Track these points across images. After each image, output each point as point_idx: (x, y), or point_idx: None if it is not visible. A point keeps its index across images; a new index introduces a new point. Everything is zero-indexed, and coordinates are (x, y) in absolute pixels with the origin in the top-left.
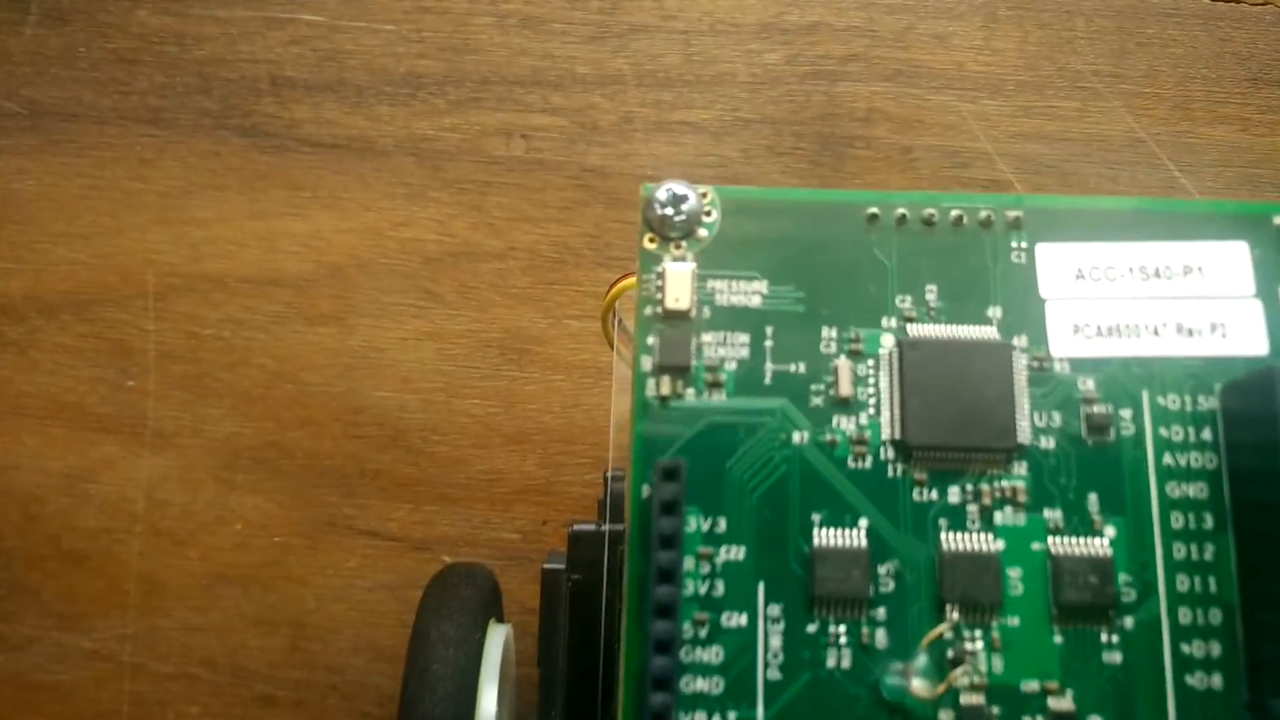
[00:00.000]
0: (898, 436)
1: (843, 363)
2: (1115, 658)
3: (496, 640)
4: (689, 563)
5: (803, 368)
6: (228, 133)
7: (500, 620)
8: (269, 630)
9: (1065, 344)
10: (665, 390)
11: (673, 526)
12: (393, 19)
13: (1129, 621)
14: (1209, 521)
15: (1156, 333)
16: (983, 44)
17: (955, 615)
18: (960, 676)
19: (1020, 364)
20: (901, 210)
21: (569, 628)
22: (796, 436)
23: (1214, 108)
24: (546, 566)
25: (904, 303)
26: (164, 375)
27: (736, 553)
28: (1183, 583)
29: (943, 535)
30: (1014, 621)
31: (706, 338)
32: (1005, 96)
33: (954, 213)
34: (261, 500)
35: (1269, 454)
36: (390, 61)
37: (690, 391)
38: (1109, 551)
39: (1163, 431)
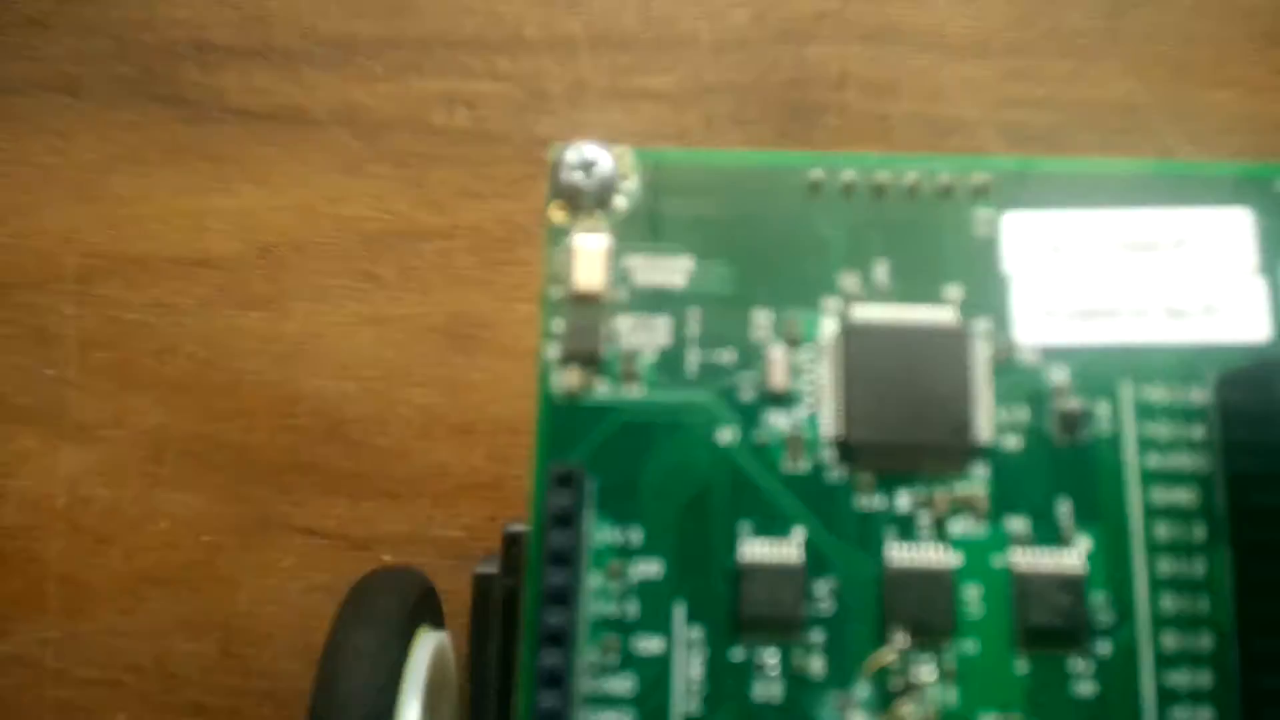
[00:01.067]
0: (840, 435)
1: (777, 351)
2: (1088, 689)
3: (424, 650)
4: (597, 580)
5: (732, 357)
6: (149, 102)
7: (438, 627)
8: (199, 634)
9: (1034, 329)
10: (573, 383)
11: (566, 541)
12: None
13: (1105, 647)
14: (1200, 533)
15: (1141, 315)
16: (966, 1)
17: (903, 640)
18: (907, 710)
19: (981, 352)
20: (849, 176)
21: (502, 637)
22: (724, 435)
23: (1219, 70)
24: (478, 571)
25: (849, 281)
26: (86, 363)
27: (653, 568)
28: (1168, 603)
29: (890, 548)
30: (971, 647)
31: (622, 323)
32: (990, 59)
33: (910, 178)
34: (190, 496)
35: (1276, 455)
36: (322, 23)
37: (602, 385)
38: (1082, 567)
39: (1146, 429)
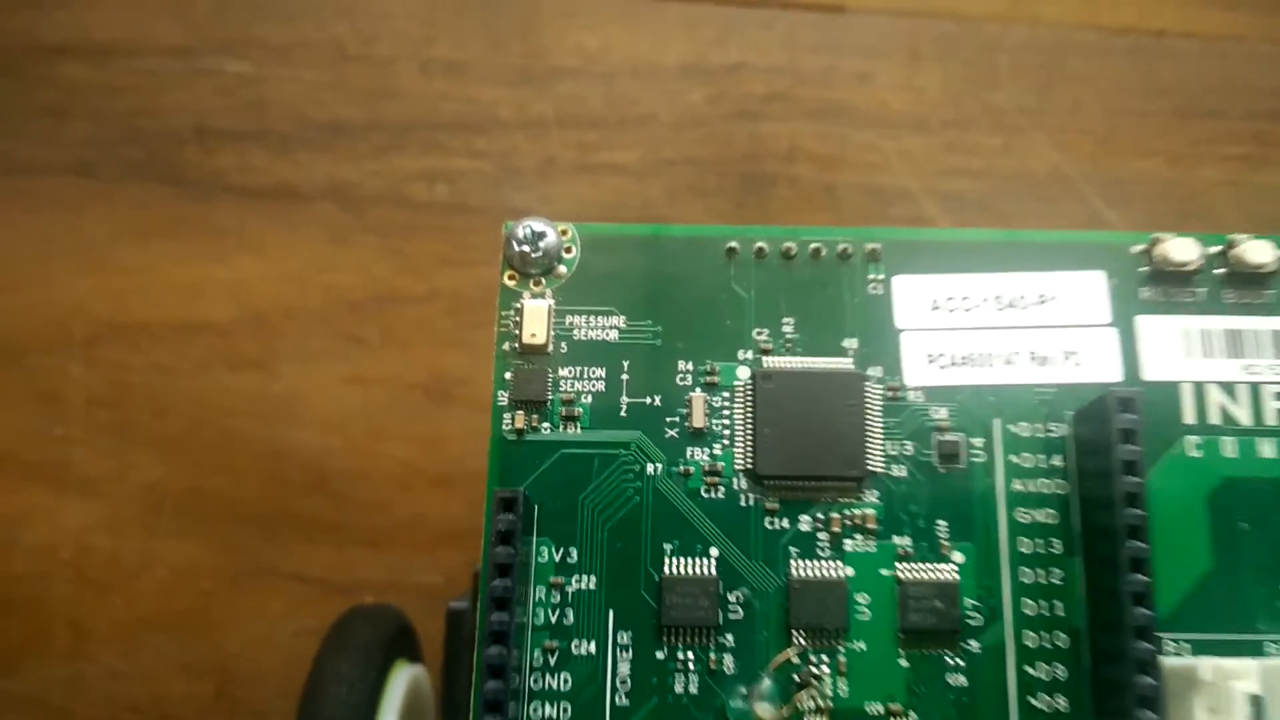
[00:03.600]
0: (750, 467)
1: (697, 395)
2: (960, 680)
3: (401, 678)
4: (540, 592)
5: (658, 400)
6: (154, 181)
7: (415, 660)
8: (195, 676)
9: (919, 374)
10: (520, 424)
11: (507, 555)
12: (316, 66)
13: (975, 645)
14: (1058, 547)
15: (1010, 361)
16: (905, 82)
17: (802, 640)
18: (805, 699)
19: (873, 394)
20: (760, 244)
21: (472, 666)
22: (650, 468)
23: (1141, 142)
24: (452, 606)
25: (761, 335)
26: (91, 422)
27: (587, 582)
28: (1029, 607)
29: (792, 563)
30: (860, 646)
31: (563, 372)
32: (929, 134)
33: (812, 246)
34: (186, 546)
35: (1107, 479)
36: (313, 109)
37: (545, 426)
38: (956, 577)
39: (1013, 458)
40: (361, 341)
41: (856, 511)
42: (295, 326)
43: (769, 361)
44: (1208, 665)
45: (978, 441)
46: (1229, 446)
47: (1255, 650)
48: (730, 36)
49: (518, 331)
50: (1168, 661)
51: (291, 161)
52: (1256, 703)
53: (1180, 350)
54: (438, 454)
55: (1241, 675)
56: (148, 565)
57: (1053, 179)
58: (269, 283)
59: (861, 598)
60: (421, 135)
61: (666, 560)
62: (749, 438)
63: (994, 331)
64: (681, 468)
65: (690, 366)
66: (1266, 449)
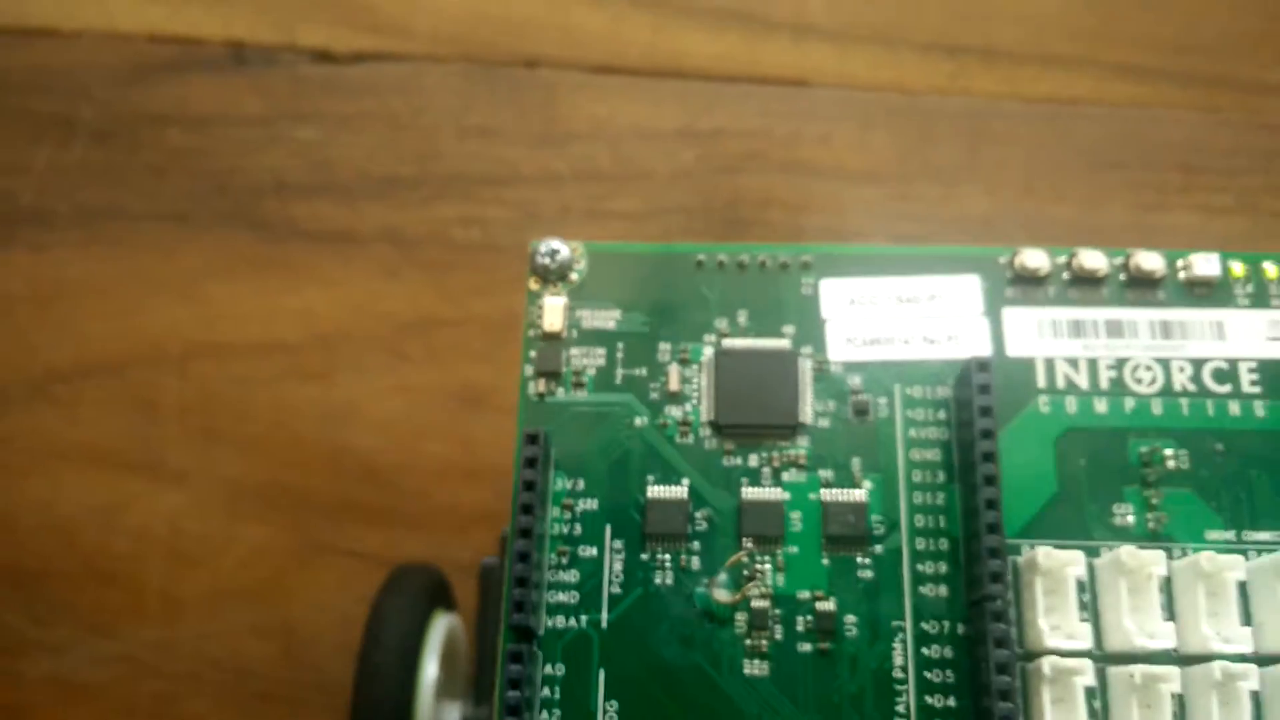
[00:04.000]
0: (713, 419)
1: (674, 367)
2: (868, 574)
3: (442, 622)
4: (555, 512)
5: (644, 371)
6: (238, 228)
7: (451, 610)
8: (265, 637)
9: (840, 351)
10: (541, 390)
11: (533, 474)
12: (374, 133)
13: (879, 549)
14: (941, 477)
15: (907, 342)
16: (859, 143)
17: (750, 545)
18: (752, 588)
19: (806, 366)
20: (721, 258)
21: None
22: (638, 421)
23: (1057, 190)
24: (484, 562)
25: (721, 324)
26: (183, 425)
27: (591, 504)
28: (920, 521)
29: (743, 489)
30: (794, 550)
31: (574, 352)
32: (880, 185)
33: (760, 259)
34: (261, 528)
35: (969, 427)
36: (371, 167)
37: (560, 390)
38: (866, 499)
39: (909, 413)
40: (407, 358)
41: (791, 452)
42: (352, 346)
43: (727, 343)
44: (1044, 551)
45: (882, 400)
46: (1071, 404)
47: (1091, 554)
48: (714, 106)
49: (540, 323)
50: (1017, 556)
51: (352, 210)
52: (1081, 585)
53: (1035, 334)
54: (470, 452)
55: (1072, 562)
56: (228, 544)
57: (983, 222)
58: (332, 309)
59: (795, 514)
60: (459, 188)
61: (649, 488)
62: (712, 398)
63: (895, 320)
64: (661, 420)
65: (669, 347)
66: (1100, 406)
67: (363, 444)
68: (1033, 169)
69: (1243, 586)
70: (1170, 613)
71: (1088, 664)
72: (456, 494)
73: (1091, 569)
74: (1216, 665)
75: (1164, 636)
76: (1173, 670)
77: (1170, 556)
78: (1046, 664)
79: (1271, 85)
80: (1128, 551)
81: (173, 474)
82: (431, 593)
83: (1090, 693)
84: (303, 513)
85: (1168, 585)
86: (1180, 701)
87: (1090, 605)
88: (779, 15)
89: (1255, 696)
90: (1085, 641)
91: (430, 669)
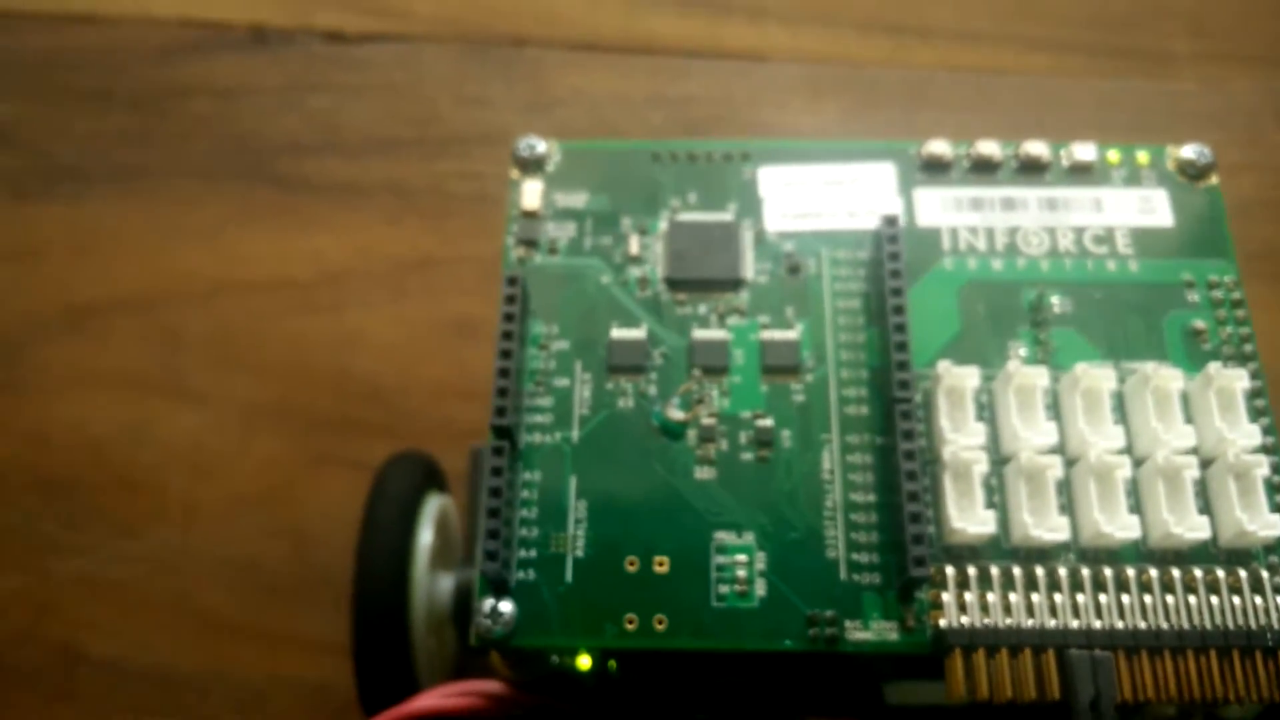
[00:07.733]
0: (669, 275)
1: (634, 237)
2: (800, 398)
3: (435, 500)
4: (534, 351)
5: (609, 240)
6: (257, 182)
7: (444, 492)
8: (277, 538)
9: (776, 222)
10: (521, 254)
11: (511, 309)
12: (380, 102)
13: (809, 378)
14: (861, 320)
15: (834, 215)
16: (810, 108)
17: (699, 375)
18: (701, 410)
19: (747, 234)
20: (675, 151)
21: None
22: (604, 279)
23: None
24: (473, 446)
25: (675, 202)
26: (204, 354)
27: (563, 344)
28: (843, 355)
29: (694, 330)
30: (737, 379)
31: (549, 226)
32: None
33: (708, 150)
34: (274, 442)
35: (879, 266)
36: (377, 129)
37: (537, 255)
38: (798, 338)
39: (835, 270)
40: (407, 293)
41: (735, 302)
42: (358, 282)
43: (679, 216)
44: (944, 365)
45: (811, 261)
46: (972, 263)
47: (987, 379)
48: (681, 78)
49: (521, 202)
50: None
51: (359, 166)
52: (980, 404)
53: (940, 208)
54: (463, 374)
55: (969, 375)
56: (244, 456)
57: None
58: (340, 252)
59: (738, 351)
60: (456, 148)
61: (613, 330)
62: (668, 259)
63: (824, 200)
64: (623, 278)
65: (629, 220)
66: (996, 264)
67: (366, 368)
68: (962, 131)
69: (1118, 397)
70: (1054, 414)
71: (984, 455)
72: (451, 412)
73: (990, 391)
74: (1093, 452)
75: (1047, 433)
76: (1055, 459)
77: (1055, 382)
78: (947, 451)
79: (1173, 54)
80: (1014, 365)
81: (194, 395)
82: (427, 470)
83: (986, 482)
84: (312, 429)
85: (1054, 399)
86: (1062, 487)
87: (988, 415)
88: (737, 0)
89: (1129, 484)
90: (981, 439)
91: (425, 535)
